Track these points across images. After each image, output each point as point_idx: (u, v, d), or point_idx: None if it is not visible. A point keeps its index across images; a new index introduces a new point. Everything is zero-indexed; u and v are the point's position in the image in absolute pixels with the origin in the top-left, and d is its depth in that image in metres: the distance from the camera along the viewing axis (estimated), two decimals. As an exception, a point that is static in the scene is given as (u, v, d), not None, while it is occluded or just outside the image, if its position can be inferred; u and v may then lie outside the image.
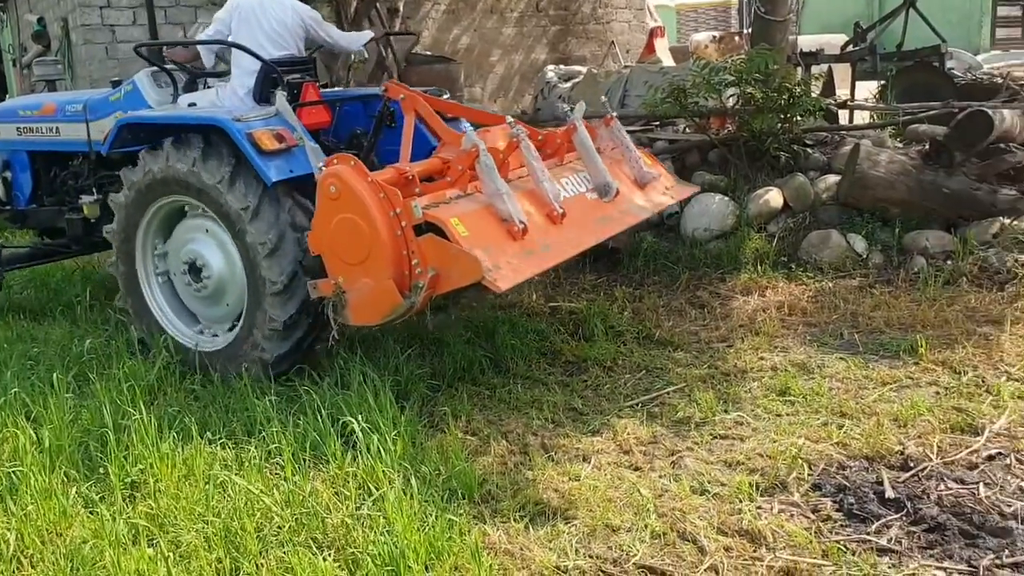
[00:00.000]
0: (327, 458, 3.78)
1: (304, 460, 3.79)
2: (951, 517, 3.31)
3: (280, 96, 4.87)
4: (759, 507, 3.44)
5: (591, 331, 5.43)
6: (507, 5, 13.36)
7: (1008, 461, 3.67)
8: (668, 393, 4.56)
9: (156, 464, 3.75)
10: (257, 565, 3.15)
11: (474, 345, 5.12)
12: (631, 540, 3.27)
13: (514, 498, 3.60)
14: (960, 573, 2.99)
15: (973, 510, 3.35)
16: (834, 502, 3.47)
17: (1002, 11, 18.80)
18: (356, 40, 6.11)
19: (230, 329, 4.97)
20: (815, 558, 3.11)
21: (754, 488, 3.57)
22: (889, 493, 3.48)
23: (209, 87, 5.90)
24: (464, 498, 3.56)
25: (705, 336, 5.38)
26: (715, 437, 4.04)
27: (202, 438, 4.00)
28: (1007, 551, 3.09)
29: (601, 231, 4.70)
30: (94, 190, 5.95)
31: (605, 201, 4.80)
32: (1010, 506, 3.36)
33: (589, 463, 3.89)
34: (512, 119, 4.97)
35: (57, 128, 6.09)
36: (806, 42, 11.77)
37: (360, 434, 3.75)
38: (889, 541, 3.20)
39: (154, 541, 3.32)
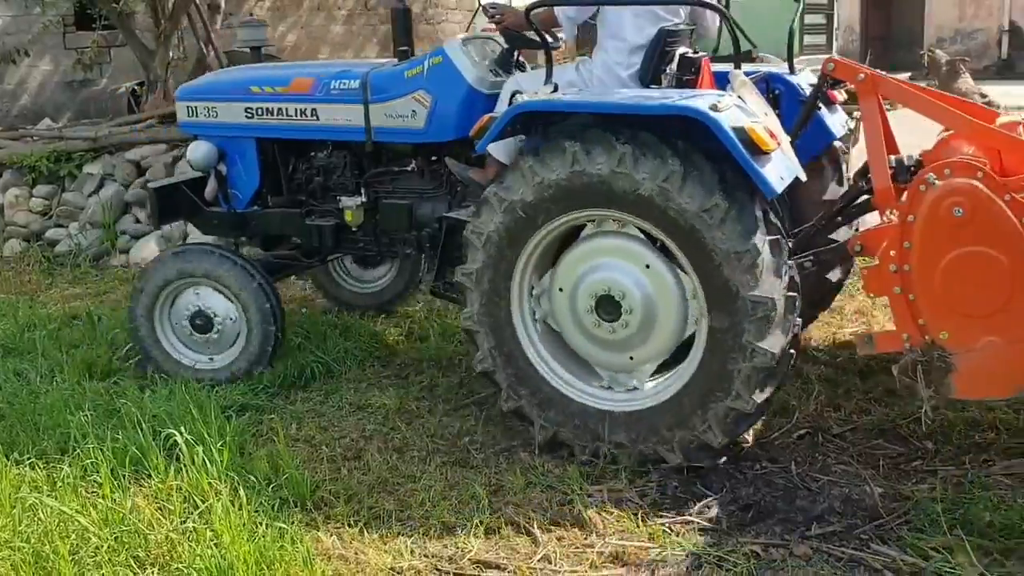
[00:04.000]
0: (149, 473, 3.62)
1: (124, 476, 3.60)
2: (765, 495, 3.51)
3: (740, 77, 3.84)
4: (589, 495, 3.54)
5: (426, 332, 5.43)
6: (335, 3, 13.17)
7: (817, 439, 3.92)
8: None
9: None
10: (72, 590, 2.98)
11: (305, 351, 5.02)
12: (465, 537, 3.29)
13: (348, 503, 3.55)
14: (774, 547, 3.17)
15: (785, 487, 3.56)
16: (659, 487, 3.61)
17: (809, 19, 20.09)
18: None
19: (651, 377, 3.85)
20: (642, 541, 3.23)
21: (584, 478, 3.66)
22: (710, 476, 3.65)
23: (523, 65, 4.82)
24: (296, 506, 3.49)
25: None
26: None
27: (8, 459, 3.74)
28: (815, 523, 3.30)
29: None
30: (362, 190, 4.90)
31: None
32: (817, 481, 3.59)
33: (425, 463, 3.89)
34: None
35: (316, 111, 4.76)
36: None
37: (184, 446, 3.60)
38: (710, 520, 3.36)
39: (-46, 573, 3.08)
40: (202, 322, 4.73)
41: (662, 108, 3.44)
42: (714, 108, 3.33)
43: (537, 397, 3.86)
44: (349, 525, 3.39)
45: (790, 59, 4.39)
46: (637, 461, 3.72)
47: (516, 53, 4.66)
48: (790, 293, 3.46)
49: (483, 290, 3.84)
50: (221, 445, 3.67)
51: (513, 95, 4.04)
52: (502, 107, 4.12)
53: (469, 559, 3.17)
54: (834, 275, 4.69)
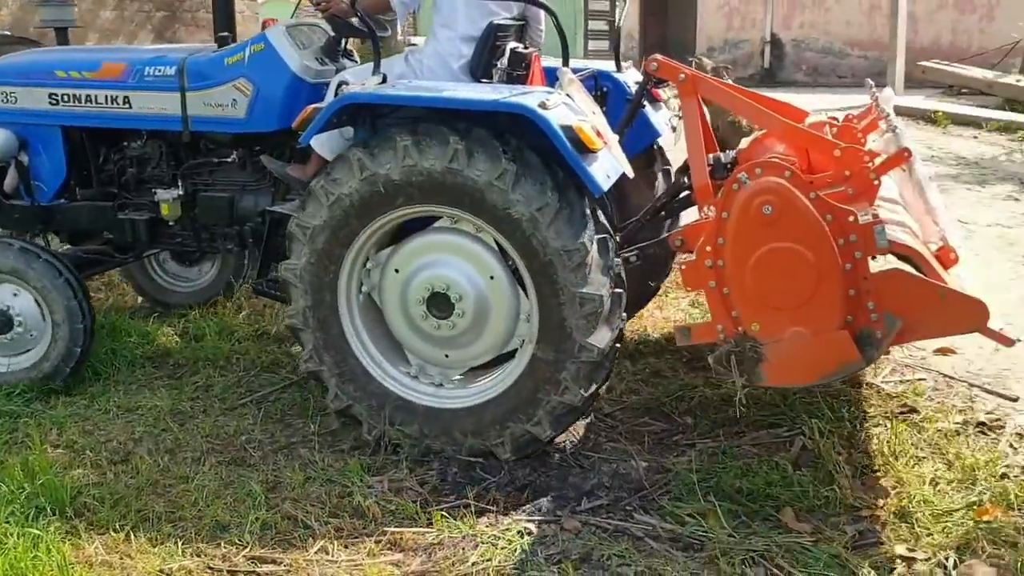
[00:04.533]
0: None
1: None
2: (540, 475, 3.64)
3: (568, 74, 3.78)
4: (369, 487, 3.54)
5: (202, 331, 5.23)
6: (101, -15, 12.36)
7: (590, 419, 4.10)
8: (283, 388, 4.53)
9: None
10: None
11: (68, 352, 4.71)
12: (240, 534, 3.22)
13: (114, 507, 3.38)
14: (546, 523, 3.29)
15: (559, 466, 3.71)
16: (439, 475, 3.66)
17: (592, 25, 20.94)
18: None
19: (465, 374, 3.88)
20: (420, 527, 3.27)
21: (365, 469, 3.66)
22: (489, 461, 3.73)
23: (350, 53, 4.59)
24: (54, 513, 3.28)
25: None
26: (325, 430, 4.03)
27: None
28: (585, 498, 3.46)
29: None
30: (180, 182, 4.54)
31: None
32: (589, 458, 3.77)
33: (199, 464, 3.76)
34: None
35: (128, 98, 4.44)
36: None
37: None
38: (487, 503, 3.44)
39: None
40: (1, 322, 4.37)
41: (494, 104, 3.42)
42: (543, 106, 3.34)
43: (340, 368, 3.80)
44: (114, 530, 3.23)
45: (617, 57, 4.54)
46: (420, 452, 3.76)
47: (343, 42, 4.54)
48: (616, 290, 3.57)
49: (315, 248, 3.70)
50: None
51: (339, 86, 3.92)
52: (329, 98, 4.00)
53: (244, 556, 3.10)
54: (658, 269, 4.87)
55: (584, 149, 3.40)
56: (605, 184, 3.48)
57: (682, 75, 3.83)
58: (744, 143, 4.11)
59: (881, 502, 3.27)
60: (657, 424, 4.05)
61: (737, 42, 17.89)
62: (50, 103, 4.56)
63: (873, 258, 3.19)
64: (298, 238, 3.73)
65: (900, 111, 11.04)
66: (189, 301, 5.61)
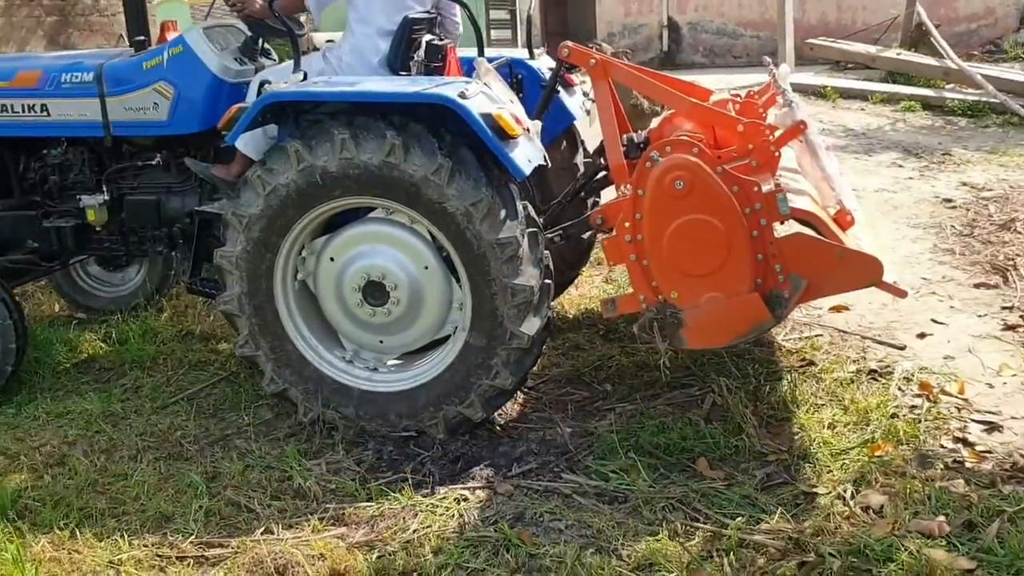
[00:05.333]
0: None
1: None
2: (472, 447, 3.83)
3: (484, 64, 3.84)
4: (308, 470, 3.67)
5: (125, 335, 5.25)
6: (-8, -7, 11.99)
7: (516, 394, 4.30)
8: (212, 384, 4.61)
9: None
10: None
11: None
12: (184, 522, 3.32)
13: (55, 508, 3.45)
14: (480, 489, 3.49)
15: (489, 438, 3.90)
16: (375, 454, 3.82)
17: (494, 15, 21.09)
18: None
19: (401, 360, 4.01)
20: (361, 502, 3.42)
21: (302, 454, 3.79)
22: (423, 438, 3.90)
23: (268, 52, 4.55)
24: (-6, 517, 3.33)
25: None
26: (259, 420, 4.15)
27: None
28: (516, 464, 3.66)
29: None
30: (104, 187, 4.49)
31: None
32: (517, 428, 3.97)
33: (136, 461, 3.83)
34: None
35: (46, 106, 4.41)
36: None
37: None
38: (424, 476, 3.61)
39: None
40: None
41: (415, 96, 3.56)
42: (462, 96, 3.47)
43: (276, 353, 3.91)
44: (59, 528, 3.30)
45: (529, 45, 4.69)
46: (355, 434, 3.91)
47: (260, 41, 4.60)
48: (546, 281, 3.75)
49: (251, 237, 3.78)
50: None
51: (261, 85, 4.00)
52: (251, 98, 4.08)
53: (191, 543, 3.21)
54: (580, 251, 5.07)
55: (504, 135, 3.54)
56: (527, 168, 3.63)
57: (593, 60, 4.01)
58: (655, 123, 4.34)
59: (785, 447, 3.55)
60: (579, 393, 4.27)
61: (636, 27, 18.28)
62: None
63: (782, 224, 3.43)
64: (234, 226, 3.82)
65: (794, 88, 11.60)
66: (115, 306, 5.62)
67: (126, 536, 3.26)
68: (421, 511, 3.33)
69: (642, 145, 4.14)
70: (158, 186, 4.61)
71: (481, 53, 4.30)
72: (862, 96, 10.83)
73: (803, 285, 3.38)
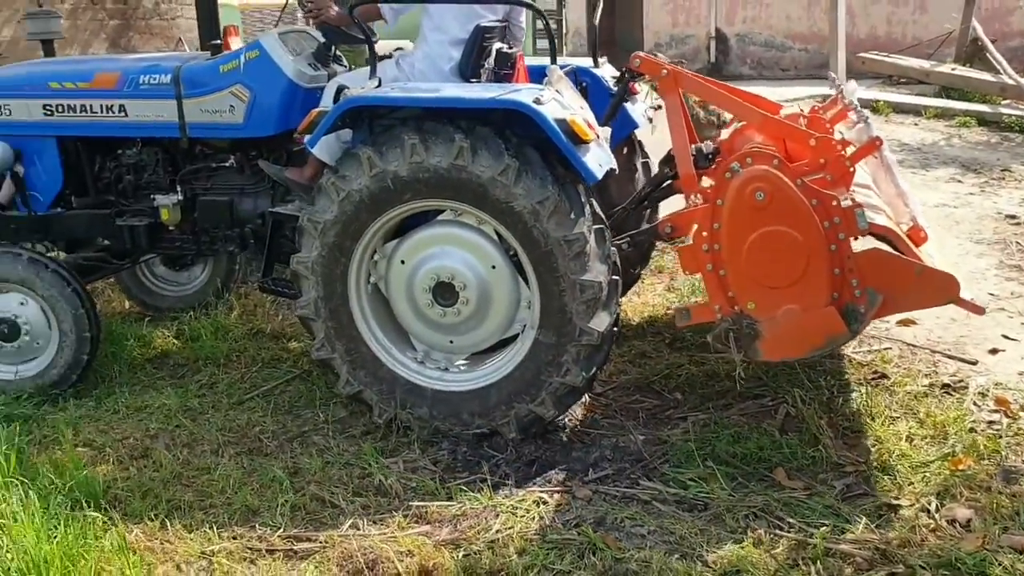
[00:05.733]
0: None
1: None
2: (546, 451, 3.88)
3: (556, 71, 3.95)
4: (387, 467, 3.74)
5: (197, 332, 5.36)
6: (55, -4, 12.27)
7: (585, 400, 4.34)
8: (286, 382, 4.69)
9: None
10: None
11: (68, 357, 4.82)
12: (271, 516, 3.40)
13: (144, 499, 3.54)
14: (558, 492, 3.53)
15: (562, 443, 3.94)
16: (450, 454, 3.88)
17: (540, 24, 21.15)
18: None
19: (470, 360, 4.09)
20: (442, 501, 3.48)
21: (379, 452, 3.86)
22: (496, 439, 3.95)
23: (339, 58, 4.68)
24: (90, 506, 3.41)
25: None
26: (335, 418, 4.22)
27: None
28: (591, 470, 3.70)
29: None
30: (178, 187, 4.65)
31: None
32: (589, 434, 4.01)
33: (218, 455, 3.92)
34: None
35: (124, 107, 4.53)
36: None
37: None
38: (501, 477, 3.67)
39: None
40: (7, 330, 4.47)
41: (491, 103, 3.62)
42: (537, 101, 3.54)
43: (352, 355, 3.99)
44: (149, 519, 3.39)
45: (594, 54, 4.76)
46: (429, 433, 3.97)
47: (333, 48, 4.69)
48: (613, 277, 3.79)
49: (326, 242, 3.87)
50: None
51: (339, 90, 4.07)
52: (326, 103, 4.18)
53: (279, 536, 3.28)
54: (641, 257, 5.13)
55: (578, 140, 3.61)
56: (599, 173, 3.69)
57: (664, 71, 4.07)
58: (724, 134, 4.37)
59: (863, 459, 3.56)
60: (648, 401, 4.30)
61: (683, 37, 18.29)
62: (44, 114, 4.66)
63: (855, 239, 3.43)
64: (309, 232, 3.91)
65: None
66: (181, 304, 5.74)
67: (215, 528, 3.34)
68: (502, 512, 3.37)
69: (711, 155, 4.22)
70: (231, 187, 4.72)
71: (554, 61, 4.36)
72: (915, 111, 10.77)
73: (880, 300, 3.39)
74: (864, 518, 3.14)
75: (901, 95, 11.50)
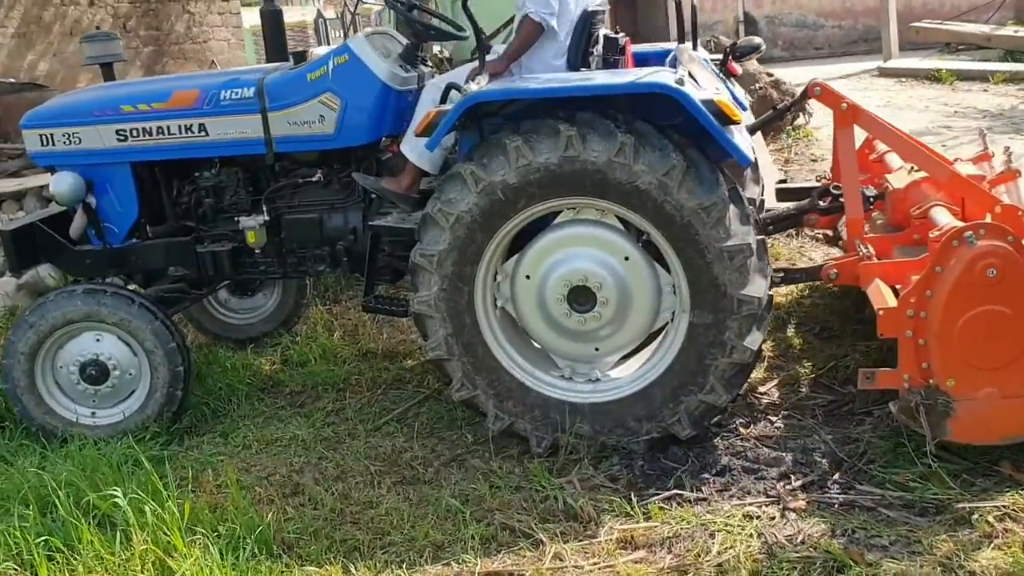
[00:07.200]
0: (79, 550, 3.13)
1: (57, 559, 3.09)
2: (731, 460, 3.58)
3: (688, 51, 3.74)
4: (561, 488, 3.45)
5: (305, 356, 5.09)
6: (88, 26, 12.09)
7: (749, 400, 4.05)
8: (418, 403, 4.41)
9: None
10: None
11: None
12: (463, 551, 3.12)
13: (317, 540, 3.28)
14: (766, 504, 3.24)
15: (744, 449, 3.64)
16: (626, 468, 3.59)
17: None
18: None
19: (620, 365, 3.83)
20: (642, 522, 3.19)
21: (549, 472, 3.57)
22: (670, 450, 3.66)
23: (425, 59, 4.46)
24: (263, 552, 3.15)
25: (422, 341, 5.25)
26: (483, 438, 3.89)
27: None
28: (792, 477, 3.41)
29: None
30: (264, 207, 4.35)
31: None
32: (771, 437, 3.72)
33: (375, 487, 3.64)
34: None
35: (204, 126, 4.24)
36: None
37: (129, 510, 3.14)
38: (692, 491, 3.37)
39: None
40: (95, 372, 4.19)
41: (631, 87, 3.39)
42: (680, 83, 3.32)
43: (495, 388, 3.71)
44: (329, 563, 3.12)
45: (694, 36, 4.50)
46: (596, 450, 3.68)
47: (421, 47, 4.41)
48: (759, 236, 3.53)
49: (444, 274, 3.61)
50: (167, 502, 3.23)
51: (448, 89, 3.84)
52: (425, 105, 3.94)
53: (480, 572, 3.00)
54: None
55: (727, 121, 3.39)
56: (751, 155, 3.47)
57: (844, 104, 3.87)
58: (895, 181, 4.09)
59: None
60: (821, 396, 4.01)
61: (711, 24, 17.86)
62: (118, 139, 4.34)
63: None
64: (424, 268, 3.64)
65: (903, 73, 11.23)
66: (255, 332, 5.46)
67: (405, 568, 3.06)
68: (716, 531, 3.08)
69: (872, 199, 4.11)
70: (320, 203, 4.43)
71: (683, 41, 4.08)
72: (981, 77, 10.42)
73: None
74: None
75: (964, 62, 11.15)
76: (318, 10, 21.01)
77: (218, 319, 5.50)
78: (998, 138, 7.73)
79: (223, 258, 4.42)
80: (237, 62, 13.69)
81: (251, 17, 18.42)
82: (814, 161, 7.65)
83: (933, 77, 10.78)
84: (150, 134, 4.30)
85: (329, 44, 18.23)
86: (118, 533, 3.15)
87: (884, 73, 11.35)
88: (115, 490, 3.27)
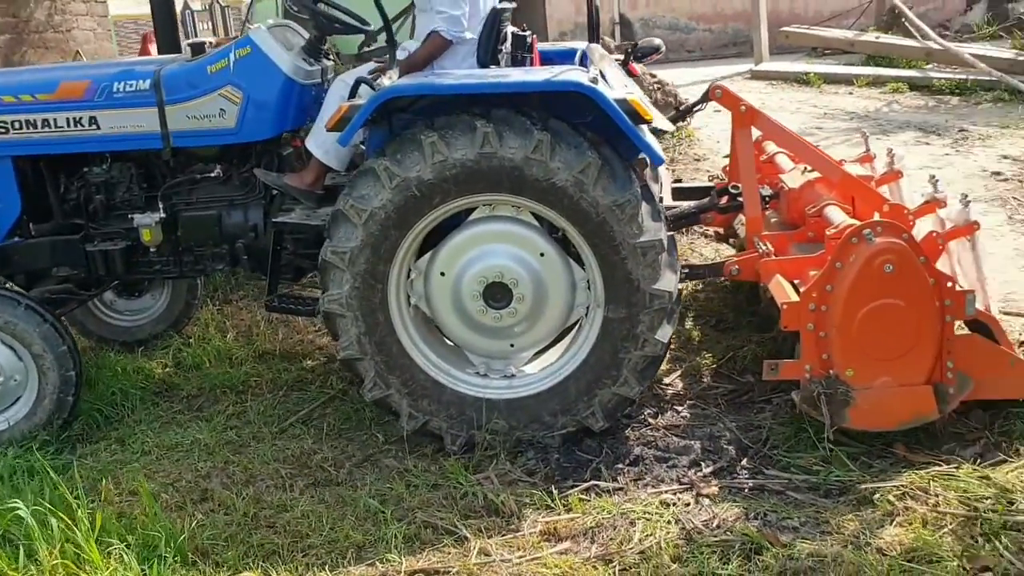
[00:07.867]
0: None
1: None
2: (643, 450, 3.66)
3: (599, 50, 3.70)
4: (480, 483, 3.47)
5: (198, 359, 4.92)
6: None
7: (655, 391, 4.15)
8: (322, 404, 4.33)
9: None
10: None
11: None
12: (386, 551, 3.09)
13: (234, 547, 3.17)
14: (680, 492, 3.34)
15: (655, 440, 3.74)
16: (542, 462, 3.63)
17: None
18: None
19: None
20: (564, 513, 3.23)
21: (466, 468, 3.57)
22: (583, 443, 3.73)
23: (328, 54, 4.31)
24: (178, 560, 3.04)
25: (321, 340, 5.18)
26: (394, 437, 3.88)
27: None
28: (702, 464, 3.52)
29: None
30: (159, 204, 4.13)
31: None
32: (678, 427, 3.83)
33: (287, 490, 3.56)
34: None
35: (95, 119, 4.01)
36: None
37: (32, 522, 2.97)
38: (607, 481, 3.44)
39: None
40: None
41: (546, 84, 3.42)
42: (594, 81, 3.37)
43: (409, 387, 3.69)
44: (249, 567, 3.04)
45: (596, 33, 4.57)
46: (512, 445, 3.71)
47: (325, 40, 4.32)
48: (669, 232, 3.63)
49: (357, 271, 3.56)
50: (77, 512, 3.07)
51: (357, 84, 3.80)
52: (333, 100, 3.89)
53: (405, 571, 2.98)
54: None
55: (639, 120, 3.47)
56: (662, 153, 3.55)
57: (743, 107, 4.02)
58: (790, 181, 4.28)
59: (980, 427, 3.48)
60: (722, 386, 4.16)
61: (587, 25, 18.28)
62: None
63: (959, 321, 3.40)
64: (335, 265, 3.59)
65: (775, 76, 11.71)
66: (143, 334, 5.26)
67: (327, 570, 3.01)
68: (636, 519, 3.15)
69: (767, 199, 4.32)
70: (219, 200, 4.30)
71: (594, 41, 4.16)
72: (847, 81, 10.97)
73: (970, 385, 3.38)
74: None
75: (831, 66, 11.72)
76: (185, 1, 20.29)
77: (104, 321, 5.25)
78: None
79: (115, 257, 4.24)
80: (104, 53, 13.08)
81: (116, 6, 17.62)
82: (697, 160, 7.89)
83: (802, 80, 11.28)
84: (34, 127, 4.09)
85: (197, 36, 17.64)
86: (20, 548, 2.97)
87: (756, 76, 11.80)
88: (15, 502, 3.08)
